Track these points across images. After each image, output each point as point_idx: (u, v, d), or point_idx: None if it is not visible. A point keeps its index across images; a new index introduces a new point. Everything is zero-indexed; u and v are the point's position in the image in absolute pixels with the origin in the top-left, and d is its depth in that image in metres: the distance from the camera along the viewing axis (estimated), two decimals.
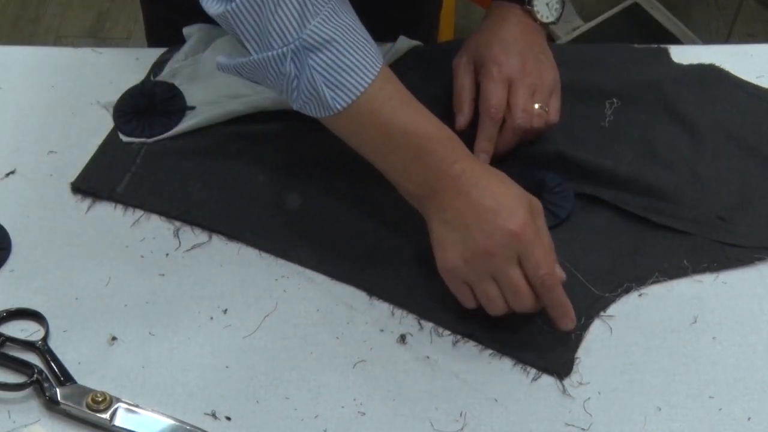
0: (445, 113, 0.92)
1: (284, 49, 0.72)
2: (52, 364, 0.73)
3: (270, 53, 0.73)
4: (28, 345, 0.75)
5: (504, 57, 0.86)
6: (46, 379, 0.72)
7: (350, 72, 0.73)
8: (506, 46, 0.87)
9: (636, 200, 0.85)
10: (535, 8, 0.90)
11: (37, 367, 0.73)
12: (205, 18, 0.98)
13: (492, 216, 0.73)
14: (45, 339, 0.75)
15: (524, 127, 0.85)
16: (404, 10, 1.07)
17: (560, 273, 0.75)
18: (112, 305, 0.79)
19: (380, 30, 0.97)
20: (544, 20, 0.91)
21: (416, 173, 0.76)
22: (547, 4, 0.91)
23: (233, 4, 0.72)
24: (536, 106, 0.86)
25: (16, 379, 0.73)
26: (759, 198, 0.85)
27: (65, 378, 0.73)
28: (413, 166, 0.76)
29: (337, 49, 0.73)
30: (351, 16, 0.76)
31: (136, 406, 0.71)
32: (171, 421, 0.71)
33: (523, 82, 0.86)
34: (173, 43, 0.99)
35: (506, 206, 0.73)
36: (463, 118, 0.87)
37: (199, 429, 0.70)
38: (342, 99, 0.74)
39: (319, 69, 0.73)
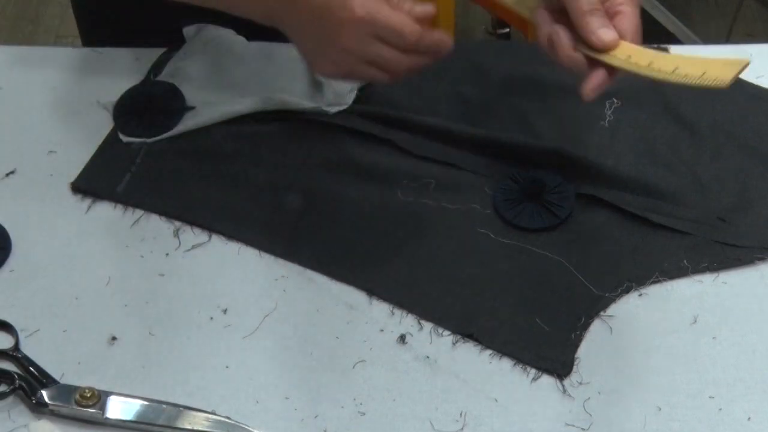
0: (446, 113, 0.92)
1: None
2: (32, 369, 0.73)
3: None
4: (2, 355, 0.74)
5: None
6: (28, 383, 0.72)
7: None
8: None
9: (636, 200, 0.84)
10: None
11: (16, 373, 0.72)
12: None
13: (327, 13, 0.74)
14: (17, 346, 0.75)
15: None
16: None
17: (423, 12, 0.76)
18: (112, 305, 0.79)
19: None
20: None
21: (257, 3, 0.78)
22: None
23: None
24: None
25: None
26: (759, 198, 0.85)
27: (47, 380, 0.72)
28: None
29: None
30: None
31: (125, 396, 0.71)
32: (162, 405, 0.71)
33: None
34: (110, 41, 0.98)
35: None
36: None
37: (192, 408, 0.70)
38: None
39: None
